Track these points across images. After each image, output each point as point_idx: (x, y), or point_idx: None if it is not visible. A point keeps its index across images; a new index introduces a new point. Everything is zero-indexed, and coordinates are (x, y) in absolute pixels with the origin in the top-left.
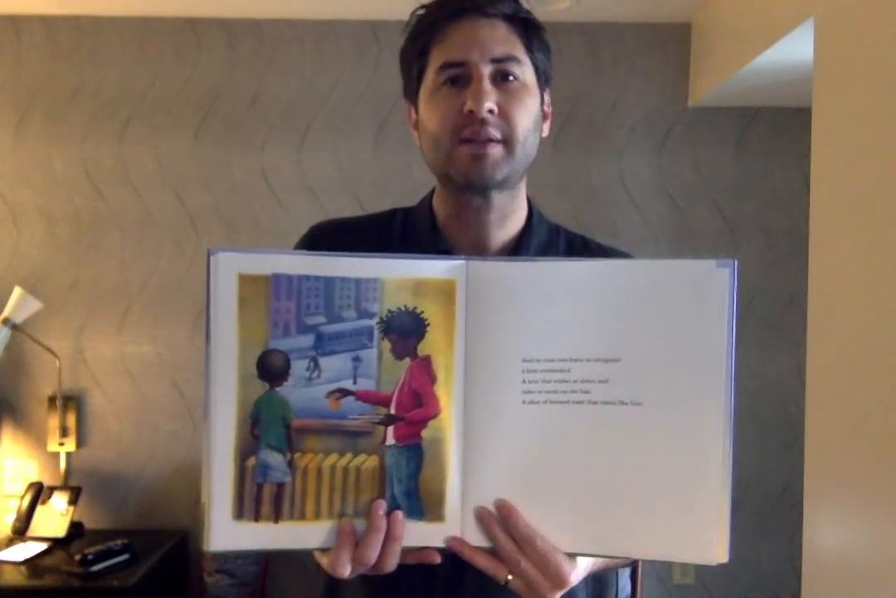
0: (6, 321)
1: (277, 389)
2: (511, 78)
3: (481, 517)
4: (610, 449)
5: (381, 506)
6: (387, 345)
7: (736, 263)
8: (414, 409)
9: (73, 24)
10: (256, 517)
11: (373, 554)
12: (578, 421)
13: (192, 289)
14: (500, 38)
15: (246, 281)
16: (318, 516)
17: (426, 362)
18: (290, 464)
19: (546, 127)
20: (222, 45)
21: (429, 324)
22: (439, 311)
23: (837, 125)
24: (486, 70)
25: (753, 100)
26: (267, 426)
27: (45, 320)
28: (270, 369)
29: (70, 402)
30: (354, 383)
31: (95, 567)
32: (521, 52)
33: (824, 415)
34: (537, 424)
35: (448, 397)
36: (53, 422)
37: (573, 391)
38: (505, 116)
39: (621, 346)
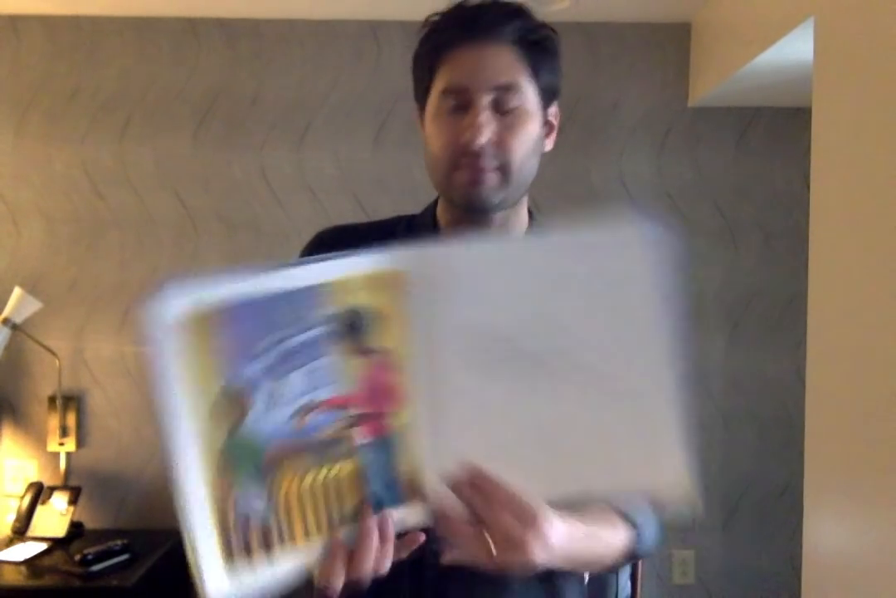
0: (6, 321)
1: (240, 425)
2: (511, 106)
3: (449, 481)
4: (568, 410)
5: (369, 511)
6: (341, 348)
7: (663, 227)
8: (379, 403)
9: (72, 24)
10: (248, 553)
11: (368, 559)
12: (535, 389)
13: None
14: (502, 67)
15: (181, 326)
16: (308, 535)
17: (383, 355)
18: (270, 495)
19: (551, 140)
20: (222, 45)
21: (380, 317)
22: (390, 302)
23: (837, 125)
24: (486, 99)
25: (753, 100)
26: (238, 465)
27: (45, 320)
28: (228, 406)
29: (70, 402)
30: (316, 395)
31: (95, 567)
32: (523, 78)
33: (824, 415)
34: (498, 397)
35: (409, 384)
36: (53, 422)
37: (527, 362)
38: (502, 145)
39: (567, 314)
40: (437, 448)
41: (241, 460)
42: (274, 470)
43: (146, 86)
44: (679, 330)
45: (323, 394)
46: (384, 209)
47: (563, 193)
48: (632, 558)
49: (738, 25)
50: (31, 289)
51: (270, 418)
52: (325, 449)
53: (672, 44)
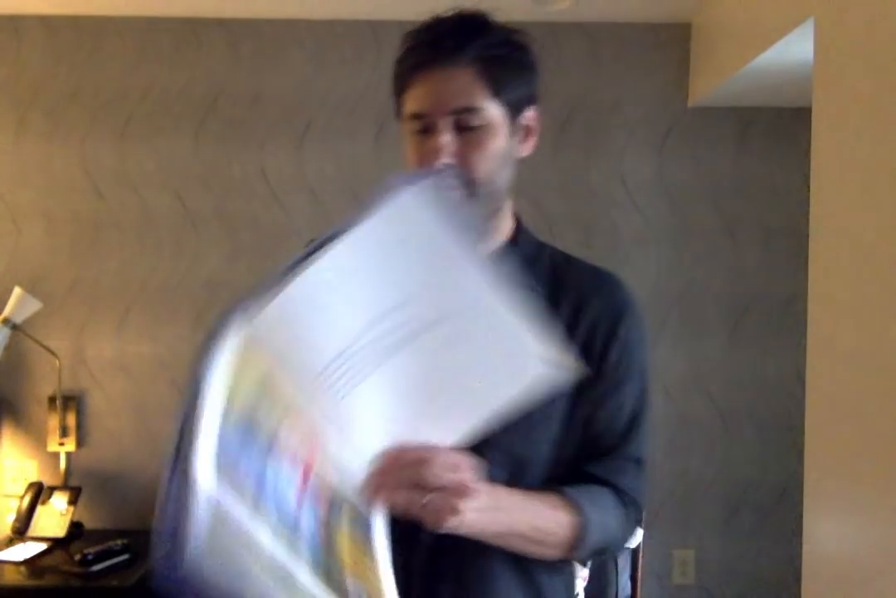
0: (6, 321)
1: None
2: (472, 125)
3: (372, 475)
4: (438, 363)
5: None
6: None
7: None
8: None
9: (73, 24)
10: None
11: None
12: (407, 362)
13: (192, 289)
14: (460, 91)
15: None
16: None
17: (286, 411)
18: None
19: (530, 143)
20: (222, 45)
21: (267, 391)
22: (264, 371)
23: (837, 125)
24: (447, 122)
25: (753, 100)
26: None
27: (45, 320)
28: None
29: (70, 402)
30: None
31: (95, 567)
32: (484, 98)
33: (824, 415)
34: (382, 383)
35: (312, 423)
36: (53, 422)
37: (392, 343)
38: (465, 163)
39: (407, 291)
40: (351, 454)
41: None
42: None
43: (146, 86)
44: (484, 259)
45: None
46: None
47: (563, 193)
48: (584, 547)
49: (738, 25)
50: (31, 289)
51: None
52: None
53: (672, 44)
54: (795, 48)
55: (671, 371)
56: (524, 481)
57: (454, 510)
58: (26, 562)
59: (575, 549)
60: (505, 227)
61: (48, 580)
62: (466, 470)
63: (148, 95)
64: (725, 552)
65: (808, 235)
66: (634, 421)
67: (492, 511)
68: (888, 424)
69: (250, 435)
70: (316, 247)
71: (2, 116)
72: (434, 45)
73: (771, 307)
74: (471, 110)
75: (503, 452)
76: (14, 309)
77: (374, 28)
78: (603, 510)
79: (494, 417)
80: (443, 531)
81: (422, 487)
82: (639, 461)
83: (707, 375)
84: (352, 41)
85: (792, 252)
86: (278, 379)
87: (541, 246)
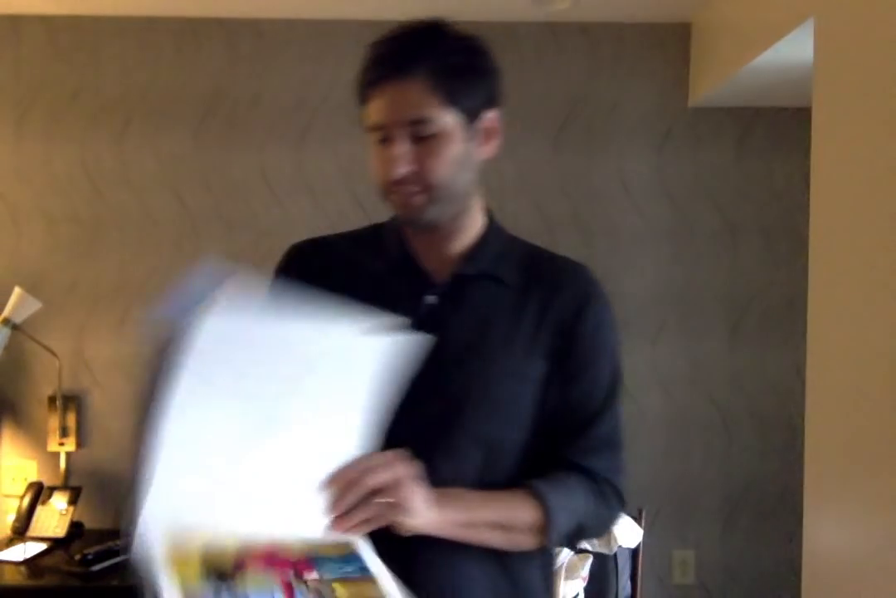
0: (6, 321)
1: None
2: (427, 134)
3: (329, 508)
4: (307, 400)
5: None
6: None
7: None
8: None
9: (73, 24)
10: None
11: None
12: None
13: None
14: (413, 102)
15: None
16: None
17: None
18: None
19: (491, 145)
20: (222, 45)
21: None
22: (202, 543)
23: (837, 125)
24: (402, 133)
25: (753, 100)
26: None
27: (45, 320)
28: None
29: (70, 402)
30: None
31: (95, 567)
32: (436, 108)
33: (824, 415)
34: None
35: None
36: (53, 422)
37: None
38: (422, 170)
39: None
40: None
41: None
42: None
43: (146, 86)
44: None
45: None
46: (383, 209)
47: (563, 193)
48: (554, 532)
49: (738, 25)
50: (31, 289)
51: None
52: None
53: (672, 44)
54: (795, 48)
55: (671, 371)
56: (498, 467)
57: (405, 502)
58: (26, 562)
59: (545, 535)
60: (475, 224)
61: (48, 580)
62: (399, 464)
63: (148, 95)
64: (725, 552)
65: (808, 235)
66: (605, 403)
67: (454, 509)
68: (888, 423)
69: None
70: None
71: (2, 116)
72: (389, 59)
73: (771, 307)
74: (424, 121)
75: (476, 438)
76: (14, 309)
77: (374, 28)
78: (569, 493)
79: (375, 400)
80: (411, 532)
81: (371, 495)
82: (612, 442)
83: (707, 375)
84: (352, 41)
85: (792, 252)
86: (214, 542)
87: (511, 240)
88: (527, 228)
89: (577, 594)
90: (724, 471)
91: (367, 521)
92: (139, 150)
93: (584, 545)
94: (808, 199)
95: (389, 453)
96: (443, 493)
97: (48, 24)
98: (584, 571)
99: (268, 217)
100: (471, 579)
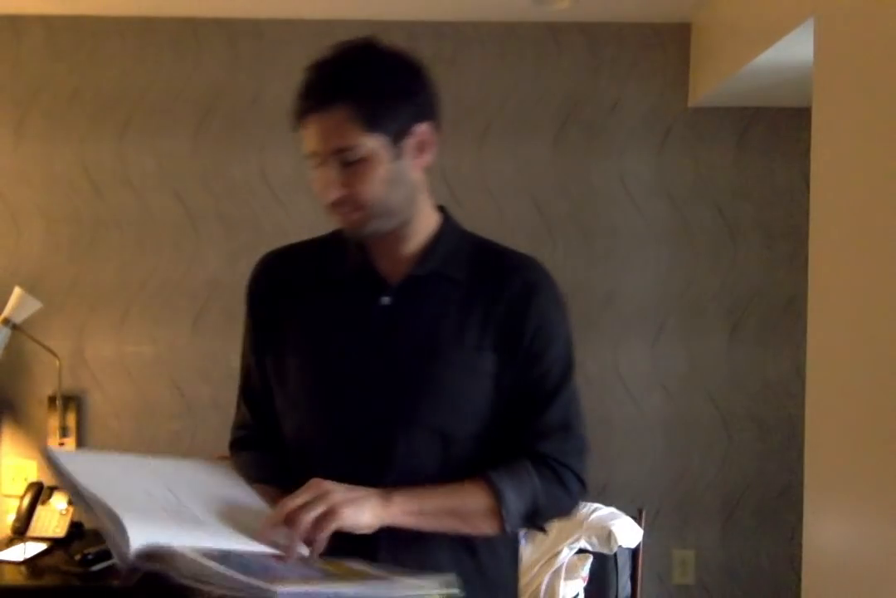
0: (6, 321)
1: None
2: (354, 159)
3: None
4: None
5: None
6: None
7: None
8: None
9: (73, 24)
10: None
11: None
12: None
13: (192, 289)
14: (334, 132)
15: None
16: None
17: None
18: None
19: (426, 156)
20: (222, 45)
21: None
22: None
23: (837, 125)
24: (331, 159)
25: (753, 100)
26: None
27: (45, 320)
28: None
29: (70, 402)
30: None
31: (95, 567)
32: (357, 135)
33: (824, 415)
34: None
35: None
36: (53, 422)
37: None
38: (353, 193)
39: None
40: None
41: None
42: None
43: (146, 86)
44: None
45: None
46: None
47: (563, 193)
48: (509, 516)
49: (738, 25)
50: (31, 289)
51: None
52: None
53: (672, 44)
54: (795, 48)
55: (671, 371)
56: (458, 459)
57: (332, 512)
58: (26, 562)
59: (502, 519)
60: (425, 226)
61: (48, 580)
62: (319, 487)
63: (148, 95)
64: (725, 552)
65: (808, 235)
66: (557, 389)
67: (402, 499)
68: (888, 424)
69: None
70: None
71: (2, 116)
72: (312, 91)
73: (771, 307)
74: (348, 149)
75: (431, 430)
76: (14, 309)
77: (373, 28)
78: (518, 476)
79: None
80: (369, 530)
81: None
82: (565, 426)
83: (707, 375)
84: None
85: (792, 252)
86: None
87: (462, 236)
88: (527, 228)
89: (577, 594)
90: (724, 471)
91: (319, 542)
92: (139, 150)
93: (584, 545)
94: (808, 199)
95: (309, 483)
96: (390, 489)
97: (48, 24)
98: (584, 571)
99: (268, 217)
100: (438, 568)
